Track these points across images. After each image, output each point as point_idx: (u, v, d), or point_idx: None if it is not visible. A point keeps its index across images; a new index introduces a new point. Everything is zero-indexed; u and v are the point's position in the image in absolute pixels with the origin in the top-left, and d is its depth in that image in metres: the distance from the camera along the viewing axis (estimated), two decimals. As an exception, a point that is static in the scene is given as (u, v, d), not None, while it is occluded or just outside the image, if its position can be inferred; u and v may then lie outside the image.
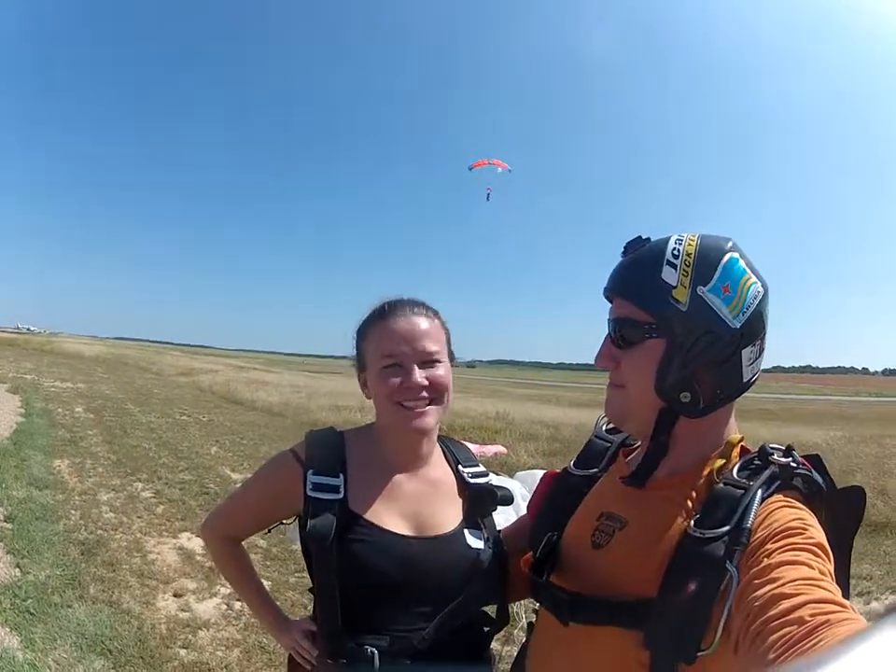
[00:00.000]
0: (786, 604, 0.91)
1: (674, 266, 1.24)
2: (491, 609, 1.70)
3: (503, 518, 1.90)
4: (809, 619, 0.86)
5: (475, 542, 1.64)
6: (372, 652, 1.49)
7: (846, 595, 1.09)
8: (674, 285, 1.24)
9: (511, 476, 2.26)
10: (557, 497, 1.56)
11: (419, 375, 1.59)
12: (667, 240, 1.28)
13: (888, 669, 0.35)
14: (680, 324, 1.23)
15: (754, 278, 1.26)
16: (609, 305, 1.37)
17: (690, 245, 1.26)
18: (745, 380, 1.28)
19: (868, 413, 33.99)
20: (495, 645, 1.72)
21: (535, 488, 1.72)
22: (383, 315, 1.67)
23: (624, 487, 1.36)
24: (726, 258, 1.25)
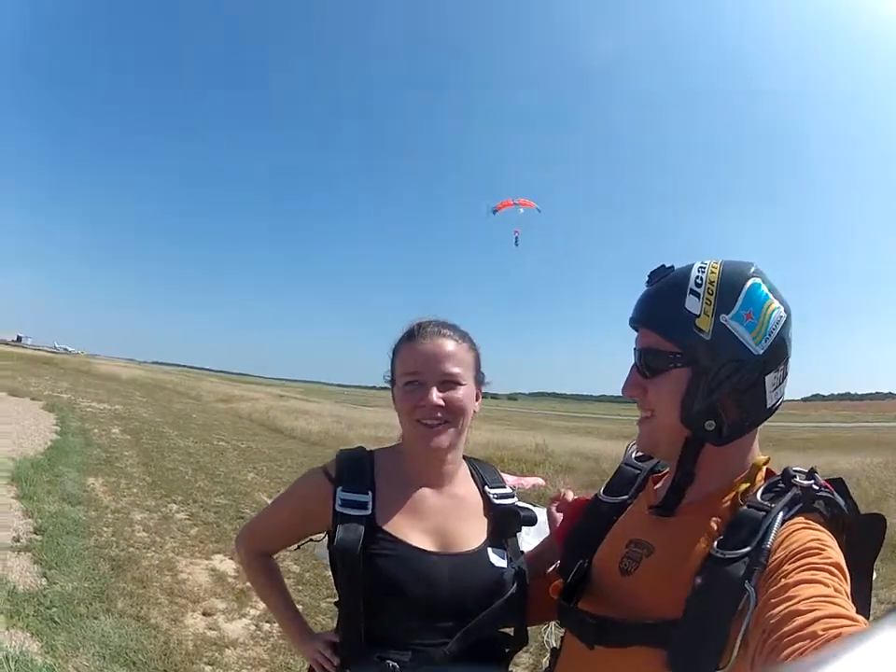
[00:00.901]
0: (800, 620, 0.94)
1: (697, 295, 1.29)
2: (510, 630, 1.74)
3: (536, 540, 2.00)
4: (821, 633, 0.89)
5: (498, 561, 1.70)
6: (394, 667, 1.54)
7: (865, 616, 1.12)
8: (697, 314, 1.28)
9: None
10: (587, 524, 1.60)
11: (435, 395, 1.67)
12: (690, 268, 1.33)
13: (888, 669, 0.36)
14: (704, 353, 1.27)
15: (777, 303, 1.29)
16: (636, 334, 1.41)
17: (713, 272, 1.30)
18: (768, 406, 1.32)
19: None
20: None
21: (563, 514, 1.77)
22: (412, 335, 1.77)
23: (650, 515, 1.41)
24: (749, 283, 1.29)
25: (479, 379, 1.81)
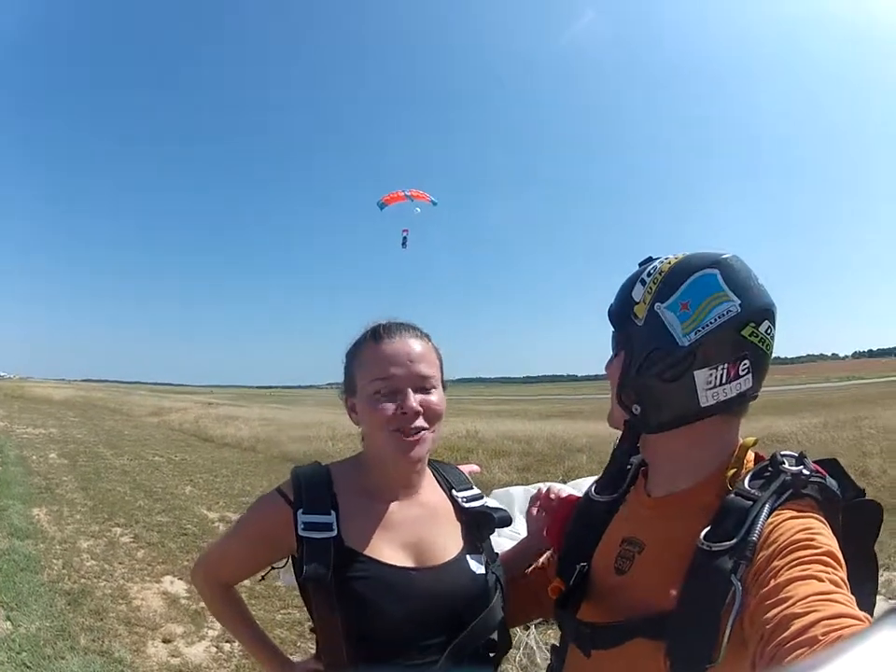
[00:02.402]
0: (798, 624, 0.88)
1: (643, 283, 1.28)
2: (494, 635, 1.63)
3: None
4: (822, 638, 0.84)
5: (478, 568, 1.58)
6: None
7: (871, 602, 1.16)
8: (637, 301, 1.28)
9: (487, 494, 2.26)
10: (582, 525, 1.52)
11: (414, 400, 1.51)
12: (647, 260, 1.34)
13: (887, 669, 0.35)
14: (636, 338, 1.27)
15: (730, 297, 1.20)
16: None
17: (667, 264, 1.28)
18: (703, 405, 1.22)
19: (841, 398, 33.25)
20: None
21: (554, 515, 1.68)
22: (376, 337, 1.58)
23: (639, 510, 1.38)
24: (698, 274, 1.22)
25: (444, 382, 1.65)
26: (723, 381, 1.21)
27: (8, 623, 5.20)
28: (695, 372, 1.21)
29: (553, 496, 1.74)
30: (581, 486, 1.88)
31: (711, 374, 1.21)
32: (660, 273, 1.27)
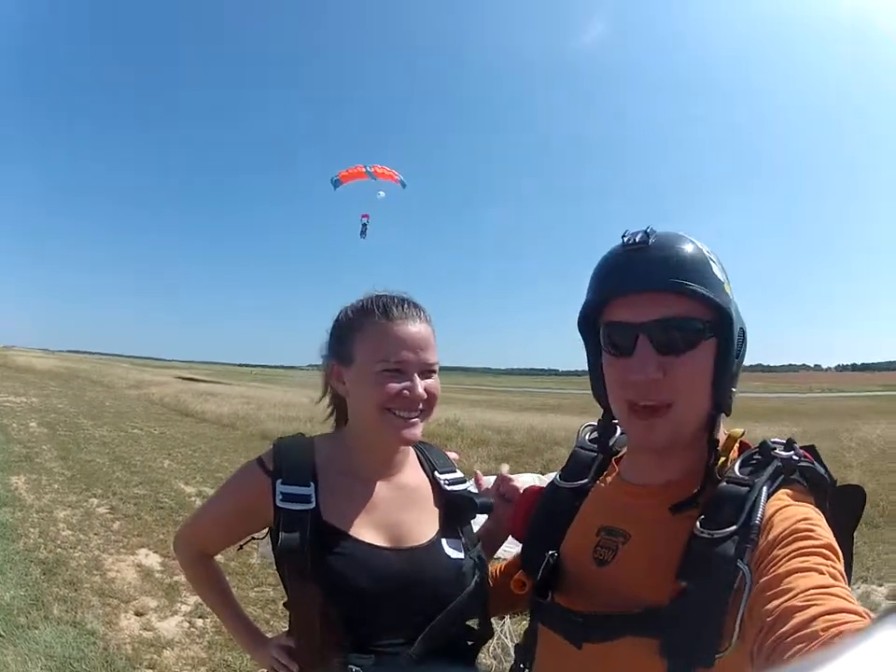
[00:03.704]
0: (798, 618, 0.86)
1: (714, 261, 1.17)
2: (474, 623, 1.61)
3: None
4: (822, 633, 0.81)
5: (454, 552, 1.54)
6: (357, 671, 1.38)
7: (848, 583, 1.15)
8: (723, 280, 1.17)
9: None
10: (547, 513, 1.45)
11: (420, 386, 1.48)
12: (681, 235, 1.19)
13: (887, 669, 0.34)
14: (733, 320, 1.15)
15: None
16: (606, 307, 1.23)
17: (697, 244, 1.18)
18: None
19: (821, 409, 33.11)
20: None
21: (514, 504, 1.61)
22: (388, 315, 1.51)
23: (621, 499, 1.30)
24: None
25: None
26: None
27: (-18, 590, 5.13)
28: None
29: (512, 484, 1.70)
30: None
31: None
32: (710, 253, 1.19)
